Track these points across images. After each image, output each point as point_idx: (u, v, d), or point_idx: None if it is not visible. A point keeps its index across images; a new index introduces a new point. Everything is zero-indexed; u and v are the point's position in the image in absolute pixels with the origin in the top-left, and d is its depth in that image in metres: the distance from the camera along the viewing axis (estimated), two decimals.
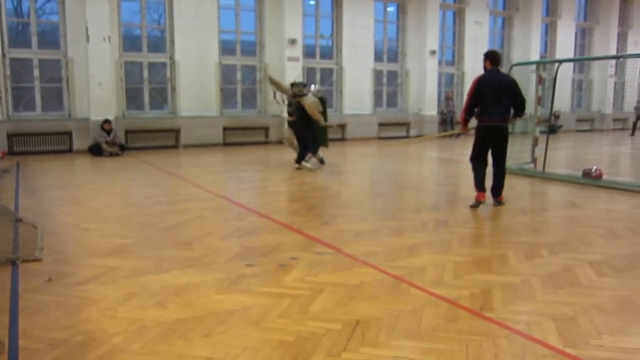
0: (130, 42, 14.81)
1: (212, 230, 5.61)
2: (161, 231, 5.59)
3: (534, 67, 10.46)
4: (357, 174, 10.55)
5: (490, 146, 6.73)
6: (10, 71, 13.28)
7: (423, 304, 3.54)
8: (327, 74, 17.76)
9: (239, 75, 16.18)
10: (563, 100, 20.78)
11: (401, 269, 4.28)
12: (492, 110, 6.50)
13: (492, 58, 6.65)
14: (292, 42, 16.08)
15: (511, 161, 9.94)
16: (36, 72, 13.58)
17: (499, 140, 6.67)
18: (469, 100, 6.59)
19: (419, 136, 18.57)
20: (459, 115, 19.35)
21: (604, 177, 8.81)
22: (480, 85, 6.52)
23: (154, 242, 5.17)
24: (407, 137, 18.68)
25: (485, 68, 6.71)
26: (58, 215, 6.42)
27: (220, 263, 4.45)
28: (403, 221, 6.10)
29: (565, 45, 22.36)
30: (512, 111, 6.71)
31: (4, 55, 13.07)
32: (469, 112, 6.66)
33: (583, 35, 23.84)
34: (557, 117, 20.10)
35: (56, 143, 13.45)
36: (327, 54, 17.82)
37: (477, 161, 6.84)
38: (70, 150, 13.56)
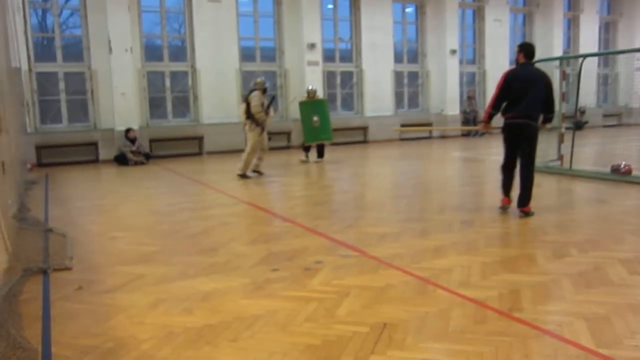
0: (151, 52, 15.02)
1: (236, 235, 5.63)
2: (186, 238, 5.63)
3: (557, 63, 10.31)
4: (379, 176, 10.51)
5: (515, 146, 6.12)
6: (36, 85, 13.58)
7: (450, 305, 3.50)
8: (347, 77, 17.75)
9: None
10: (588, 96, 20.43)
11: (427, 270, 4.24)
12: (519, 106, 5.94)
13: (526, 51, 6.09)
14: (312, 46, 16.12)
15: (537, 159, 9.81)
16: (62, 85, 13.87)
17: (523, 139, 6.00)
18: (496, 94, 6.10)
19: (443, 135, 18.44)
20: (481, 114, 19.30)
21: (634, 172, 8.62)
22: (509, 79, 6.02)
23: (179, 248, 5.21)
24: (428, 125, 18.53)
25: (517, 61, 6.21)
26: (86, 224, 6.52)
27: (246, 268, 4.46)
28: (428, 222, 6.05)
29: (588, 39, 21.97)
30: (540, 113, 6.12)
31: (30, 70, 13.36)
32: (495, 106, 6.13)
33: (607, 28, 23.41)
34: (582, 112, 19.76)
35: (83, 154, 13.69)
36: (346, 57, 17.82)
37: (505, 163, 6.31)
38: (96, 161, 13.78)
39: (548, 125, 6.29)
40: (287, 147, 16.08)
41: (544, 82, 5.98)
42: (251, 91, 10.08)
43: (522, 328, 3.12)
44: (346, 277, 4.13)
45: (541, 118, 6.15)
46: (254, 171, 10.31)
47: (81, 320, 3.44)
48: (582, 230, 5.57)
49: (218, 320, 3.36)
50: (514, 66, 6.28)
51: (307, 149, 12.41)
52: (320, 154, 12.49)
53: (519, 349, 2.85)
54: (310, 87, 12.78)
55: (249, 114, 9.97)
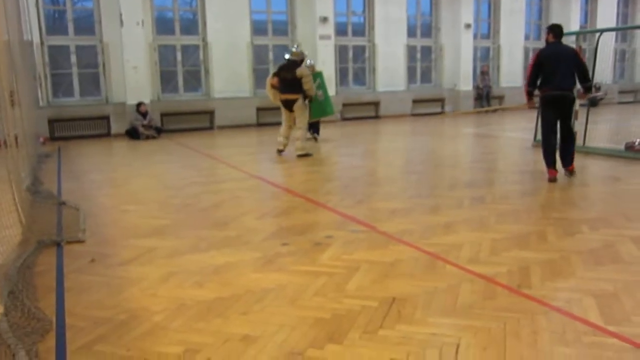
0: (163, 25, 14.93)
1: (247, 210, 5.67)
2: (198, 212, 5.68)
3: (573, 37, 10.11)
4: (390, 152, 10.48)
5: (557, 115, 6.80)
6: (48, 58, 13.59)
7: (459, 281, 3.52)
8: (359, 51, 17.57)
9: (271, 56, 16.14)
10: (605, 72, 20.10)
11: (437, 246, 4.26)
12: (556, 80, 6.59)
13: (555, 32, 6.82)
14: (324, 20, 15.94)
15: None
16: (73, 59, 13.85)
17: (564, 107, 6.75)
18: (531, 72, 6.79)
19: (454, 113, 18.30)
20: (495, 89, 19.09)
21: None
22: (542, 57, 6.69)
23: (191, 222, 5.25)
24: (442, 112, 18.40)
25: (547, 41, 6.89)
26: (98, 197, 6.59)
27: (257, 242, 4.50)
28: (438, 198, 6.04)
29: (606, 14, 21.50)
30: (577, 82, 6.81)
31: (42, 43, 13.35)
32: (531, 83, 6.82)
33: (626, 3, 22.86)
34: (598, 89, 19.45)
35: (95, 127, 13.73)
36: (359, 31, 17.61)
37: (547, 133, 6.86)
38: (108, 134, 13.84)
39: (589, 95, 7.27)
40: None
41: (574, 57, 6.71)
42: (292, 62, 9.20)
43: (531, 304, 3.14)
44: (356, 252, 4.15)
45: (580, 89, 6.98)
46: (278, 150, 9.69)
47: (94, 292, 3.50)
48: (594, 208, 5.54)
49: (229, 294, 3.40)
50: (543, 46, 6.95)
51: (312, 126, 11.59)
52: (316, 130, 11.85)
53: (527, 325, 2.87)
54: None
55: (293, 88, 9.09)
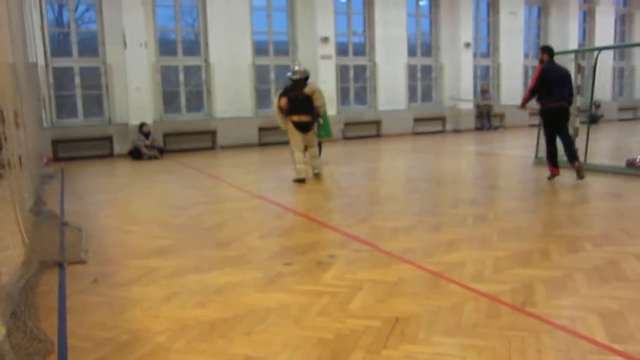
0: (165, 46, 15.07)
1: (250, 229, 5.65)
2: (200, 232, 5.67)
3: (572, 56, 10.17)
4: (392, 170, 10.48)
5: (557, 123, 7.85)
6: (53, 80, 13.70)
7: (463, 300, 3.49)
8: (360, 70, 17.69)
9: (272, 75, 16.27)
10: (604, 89, 20.17)
11: (440, 265, 4.23)
12: (556, 93, 7.69)
13: (549, 52, 7.94)
14: (325, 40, 16.07)
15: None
16: (77, 80, 13.96)
17: (563, 116, 7.84)
18: (535, 84, 7.74)
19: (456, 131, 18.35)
20: (495, 108, 19.15)
21: None
22: (545, 73, 7.70)
23: (193, 242, 5.24)
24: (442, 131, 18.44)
25: (541, 60, 7.91)
26: (101, 218, 6.58)
27: (259, 262, 4.48)
28: (441, 216, 6.02)
29: (604, 32, 21.65)
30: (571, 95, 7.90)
31: (47, 65, 13.47)
32: (533, 93, 7.83)
33: (623, 21, 23.05)
34: (597, 106, 19.52)
35: (98, 148, 13.78)
36: (360, 50, 17.75)
37: (552, 138, 7.94)
38: (111, 155, 13.88)
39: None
40: None
41: (569, 75, 7.92)
42: (299, 81, 8.62)
43: (535, 323, 3.11)
44: (359, 271, 4.13)
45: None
46: (315, 175, 9.12)
47: (97, 313, 3.48)
48: (597, 225, 5.52)
49: (231, 314, 3.38)
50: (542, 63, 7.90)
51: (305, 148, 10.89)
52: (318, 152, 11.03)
53: (532, 344, 2.84)
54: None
55: (308, 108, 8.56)
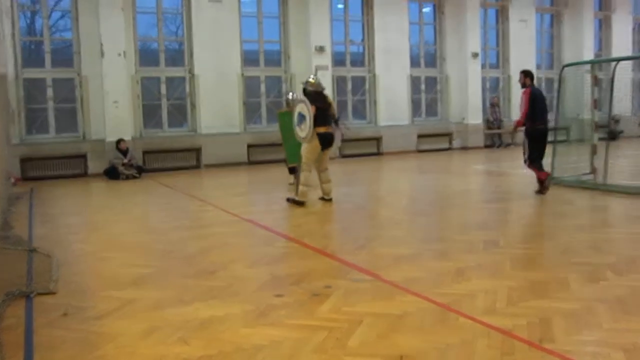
0: (146, 56, 15.15)
1: (237, 257, 5.62)
2: (182, 259, 5.63)
3: (588, 67, 10.28)
4: (395, 191, 10.48)
5: (543, 144, 8.85)
6: (23, 92, 13.71)
7: (474, 335, 3.46)
8: (359, 82, 17.80)
9: (263, 88, 16.35)
10: (623, 103, 20.32)
11: (448, 296, 4.21)
12: (541, 116, 8.76)
13: (531, 76, 8.95)
14: (320, 49, 16.20)
15: (567, 173, 9.80)
16: (50, 92, 13.98)
17: (545, 139, 8.89)
18: (528, 108, 8.62)
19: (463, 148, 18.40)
20: (506, 123, 19.24)
21: None
22: (534, 96, 8.70)
23: (175, 271, 5.20)
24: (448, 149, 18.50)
25: (524, 84, 8.85)
26: (73, 243, 6.53)
27: (247, 293, 4.44)
28: (448, 242, 6.01)
29: (622, 41, 21.91)
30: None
31: (17, 76, 13.50)
32: (528, 118, 8.65)
33: None
34: (616, 121, 19.65)
35: (71, 167, 13.76)
36: (358, 61, 17.89)
37: (541, 154, 8.82)
38: (85, 174, 13.85)
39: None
40: None
41: (545, 98, 9.16)
42: (317, 93, 8.67)
43: None
44: (358, 304, 4.10)
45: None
46: (322, 199, 8.96)
47: (67, 349, 3.43)
48: (619, 251, 5.52)
49: (216, 351, 3.34)
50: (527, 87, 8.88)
51: (292, 170, 10.56)
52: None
53: None
54: (291, 96, 10.96)
55: (330, 121, 8.63)
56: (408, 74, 18.22)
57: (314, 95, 8.60)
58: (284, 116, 10.56)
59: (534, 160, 8.81)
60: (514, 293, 4.23)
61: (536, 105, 8.64)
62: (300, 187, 8.53)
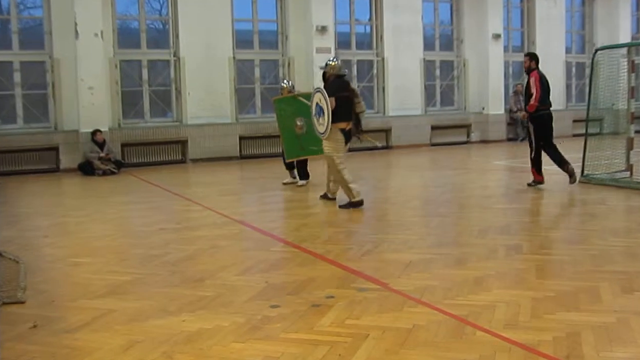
0: (126, 37, 15.15)
1: (228, 263, 5.63)
2: (166, 265, 5.63)
3: (624, 51, 10.28)
4: (405, 190, 10.49)
5: (550, 130, 9.43)
6: None
7: (493, 351, 3.47)
8: (365, 67, 17.80)
9: (257, 73, 16.36)
10: None
11: (464, 307, 4.22)
12: (548, 99, 9.35)
13: (536, 59, 9.53)
14: (322, 30, 16.18)
15: (600, 169, 9.80)
16: (17, 77, 13.98)
17: (551, 125, 9.47)
18: (541, 92, 9.13)
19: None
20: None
21: None
22: (543, 79, 9.28)
23: (157, 278, 5.21)
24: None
25: (530, 67, 9.42)
26: (43, 247, 6.55)
27: (239, 304, 4.46)
28: (465, 247, 6.02)
29: None
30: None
31: None
32: (542, 101, 9.17)
33: None
34: None
35: (41, 161, 13.76)
36: (365, 42, 17.89)
37: (539, 145, 9.33)
38: (57, 169, 13.85)
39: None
40: None
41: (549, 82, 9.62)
42: (338, 77, 8.36)
43: None
44: (363, 316, 4.11)
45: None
46: (325, 196, 8.94)
47: None
48: None
49: None
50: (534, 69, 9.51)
51: (290, 166, 10.75)
52: (304, 173, 10.64)
53: None
54: (284, 83, 10.95)
55: (351, 115, 8.31)
56: (421, 57, 18.20)
57: (335, 82, 8.32)
58: (281, 103, 10.60)
59: (537, 156, 9.41)
60: (539, 305, 4.24)
61: (542, 89, 9.18)
62: (351, 187, 8.19)
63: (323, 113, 8.10)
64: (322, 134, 8.23)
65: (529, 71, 9.44)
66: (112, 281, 5.11)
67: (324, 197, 8.90)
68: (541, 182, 9.46)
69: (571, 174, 9.18)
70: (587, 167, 9.89)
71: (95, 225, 7.83)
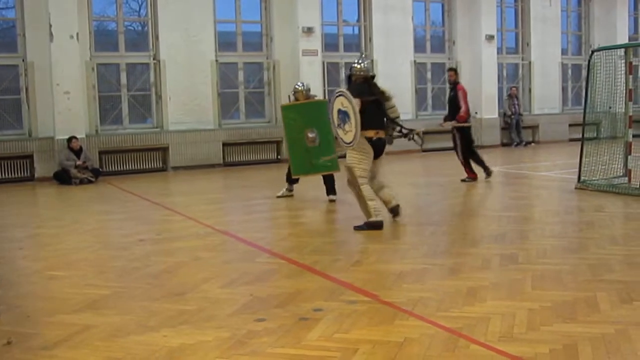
0: (103, 39, 15.13)
1: (211, 275, 5.62)
2: (146, 278, 5.62)
3: (621, 52, 10.36)
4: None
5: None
6: None
7: None
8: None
9: (241, 76, 16.36)
10: None
11: (458, 320, 4.23)
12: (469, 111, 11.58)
13: (457, 72, 12.11)
14: (308, 31, 16.22)
15: (597, 175, 9.86)
16: None
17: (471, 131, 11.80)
18: (467, 103, 11.36)
19: None
20: (527, 117, 19.36)
21: None
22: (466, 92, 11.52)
23: (137, 292, 5.20)
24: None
25: (454, 81, 11.66)
26: (18, 260, 6.52)
27: (223, 318, 4.45)
28: (459, 257, 6.04)
29: None
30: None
31: None
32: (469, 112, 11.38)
33: None
34: None
35: (14, 170, 13.69)
36: (353, 44, 17.94)
37: (472, 151, 11.56)
38: (31, 178, 13.79)
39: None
40: (277, 161, 16.07)
41: None
42: (366, 80, 7.79)
43: None
44: (353, 329, 4.12)
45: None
46: (393, 211, 7.99)
47: None
48: None
49: None
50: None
51: (292, 181, 10.23)
52: (331, 189, 9.81)
53: None
54: (299, 85, 10.07)
55: (382, 122, 7.76)
56: (411, 60, 18.29)
57: (357, 84, 7.67)
58: (290, 111, 9.88)
59: (468, 159, 11.42)
60: (535, 316, 4.26)
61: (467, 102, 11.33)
62: (369, 204, 7.48)
63: (349, 118, 7.19)
64: (350, 143, 7.33)
65: (454, 84, 11.55)
66: (90, 295, 5.09)
67: (393, 212, 7.94)
68: (475, 178, 11.37)
69: (489, 174, 11.52)
70: (584, 172, 9.94)
71: (72, 237, 7.80)
